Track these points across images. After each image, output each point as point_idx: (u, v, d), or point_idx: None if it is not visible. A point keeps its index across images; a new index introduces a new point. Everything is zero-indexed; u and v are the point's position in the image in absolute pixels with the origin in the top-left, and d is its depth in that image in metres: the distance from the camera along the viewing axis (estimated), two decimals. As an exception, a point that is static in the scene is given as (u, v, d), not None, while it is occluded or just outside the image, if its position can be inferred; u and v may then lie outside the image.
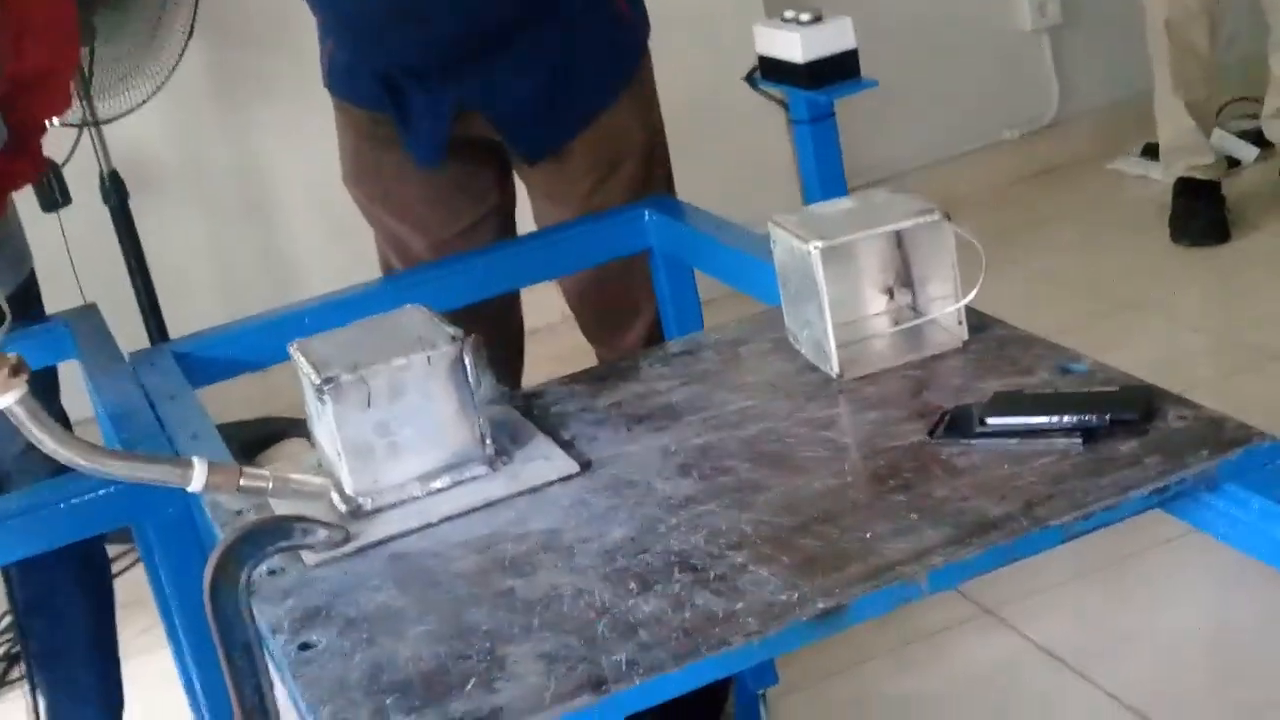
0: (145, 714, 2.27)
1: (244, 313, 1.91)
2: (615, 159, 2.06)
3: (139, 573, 2.56)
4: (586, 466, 1.28)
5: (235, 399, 2.79)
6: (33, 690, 2.17)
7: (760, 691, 2.10)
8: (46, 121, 1.95)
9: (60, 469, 1.98)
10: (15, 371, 1.11)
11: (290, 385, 3.23)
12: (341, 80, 2.09)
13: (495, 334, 2.17)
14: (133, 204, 3.19)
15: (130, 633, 2.25)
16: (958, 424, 1.24)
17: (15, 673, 2.73)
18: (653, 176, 2.12)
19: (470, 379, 1.28)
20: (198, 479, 1.19)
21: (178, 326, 3.17)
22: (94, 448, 1.16)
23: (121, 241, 3.16)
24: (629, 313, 2.13)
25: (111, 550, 2.42)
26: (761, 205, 2.26)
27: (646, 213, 1.95)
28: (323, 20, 2.07)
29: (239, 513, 1.29)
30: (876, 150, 3.89)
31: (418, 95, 1.99)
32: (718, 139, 3.66)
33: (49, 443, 1.13)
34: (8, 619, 2.82)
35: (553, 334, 3.12)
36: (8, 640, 2.80)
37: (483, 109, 2.00)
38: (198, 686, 1.54)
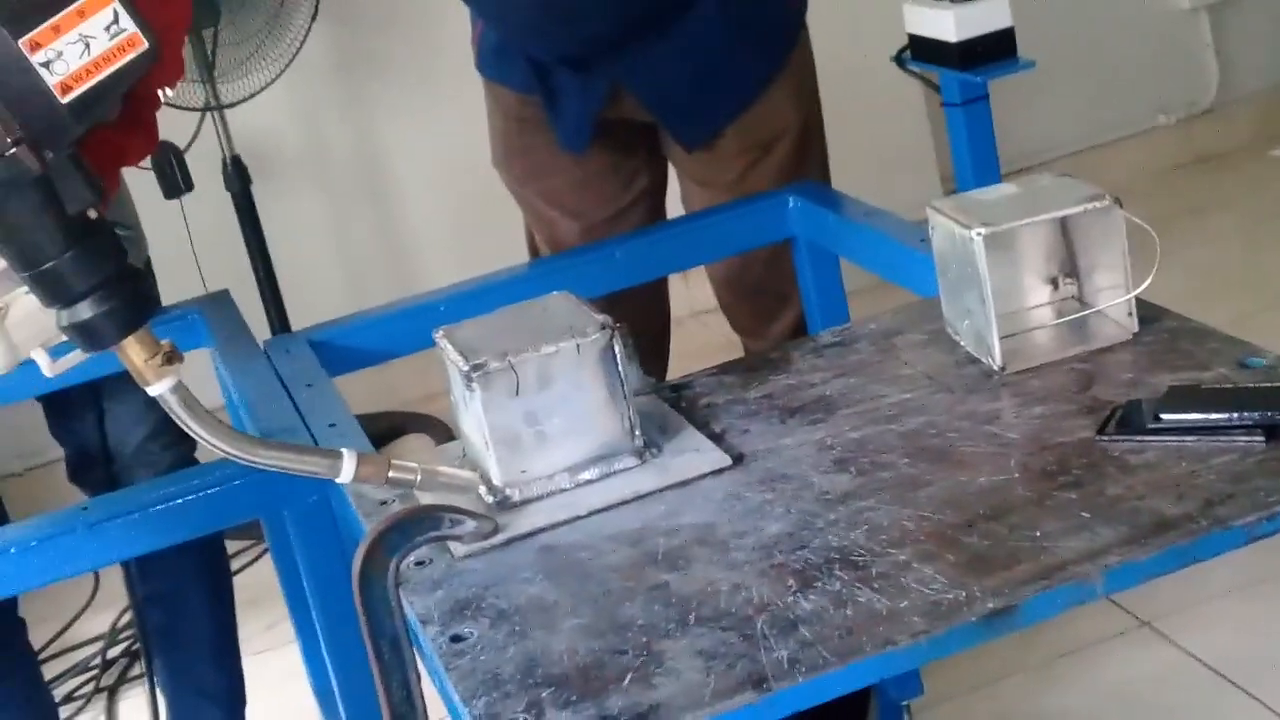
0: (267, 713, 2.33)
1: (366, 302, 1.95)
2: (768, 141, 2.08)
3: (255, 572, 2.64)
4: (739, 460, 1.30)
5: (353, 393, 2.85)
6: (152, 687, 2.24)
7: (905, 703, 2.11)
8: (160, 93, 1.97)
9: (178, 461, 2.06)
10: (169, 359, 1.15)
11: (410, 378, 3.32)
12: (491, 62, 2.13)
13: (641, 323, 2.20)
14: (254, 190, 3.27)
15: (250, 631, 2.31)
16: (1129, 420, 1.24)
17: (136, 669, 2.82)
18: (807, 159, 2.13)
19: (619, 368, 1.30)
20: (347, 470, 1.22)
21: (299, 315, 3.24)
22: (246, 437, 1.20)
23: (244, 228, 3.24)
24: (777, 302, 2.14)
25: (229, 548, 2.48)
26: (898, 192, 2.27)
27: (790, 199, 1.96)
28: (474, 7, 2.11)
29: (383, 503, 1.33)
30: (1024, 135, 3.86)
31: (569, 78, 2.02)
32: (852, 123, 3.65)
33: (201, 431, 1.17)
34: (128, 615, 2.91)
35: (680, 328, 3.14)
36: (128, 637, 2.89)
37: (637, 93, 2.02)
38: (333, 682, 1.58)
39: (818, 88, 2.17)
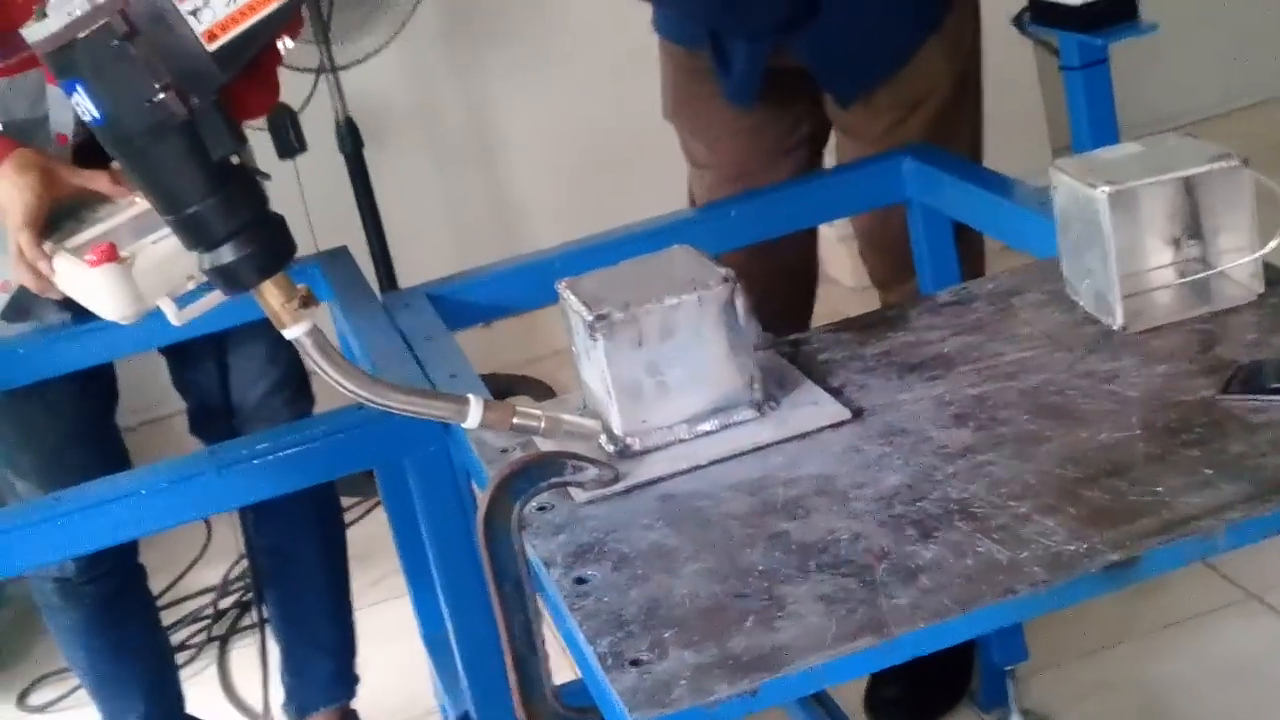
0: (378, 665, 2.38)
1: (473, 264, 1.99)
2: (918, 98, 2.08)
3: (361, 528, 2.69)
4: (857, 414, 1.32)
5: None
6: (263, 637, 2.30)
7: (1008, 668, 2.11)
8: (280, 45, 1.98)
9: (298, 417, 2.11)
10: (305, 303, 1.19)
11: (512, 342, 3.36)
12: (664, 20, 2.17)
13: (787, 280, 2.22)
14: (366, 153, 3.32)
15: (357, 585, 2.36)
16: (1252, 380, 1.24)
17: (247, 620, 2.89)
18: (958, 117, 2.13)
19: (740, 321, 1.32)
20: (474, 415, 1.26)
21: (407, 276, 3.29)
22: (377, 381, 1.24)
23: (355, 189, 3.29)
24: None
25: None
26: (1007, 159, 2.26)
27: (905, 162, 1.97)
28: None
29: (504, 450, 1.36)
30: (1144, 102, 3.81)
31: (738, 43, 2.05)
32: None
33: (335, 375, 1.21)
34: (239, 566, 2.99)
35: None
36: (240, 588, 2.96)
37: (798, 55, 2.05)
38: (449, 628, 1.62)
39: (979, 48, 2.17)
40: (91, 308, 1.50)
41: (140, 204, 1.58)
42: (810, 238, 2.24)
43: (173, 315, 1.48)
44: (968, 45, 2.15)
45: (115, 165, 1.65)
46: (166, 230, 1.44)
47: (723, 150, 2.17)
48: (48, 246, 1.59)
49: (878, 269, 2.24)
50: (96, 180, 1.64)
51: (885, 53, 2.06)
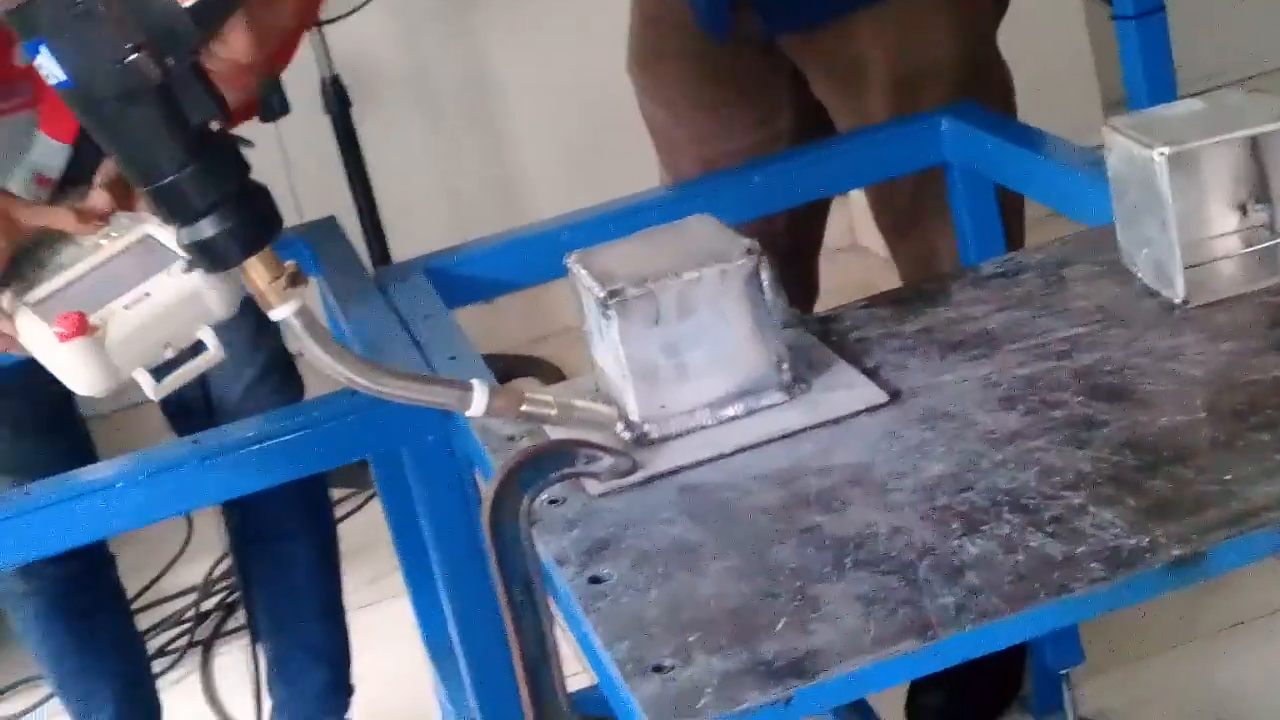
0: (376, 671, 2.38)
1: (470, 235, 1.98)
2: (919, 75, 2.06)
3: (353, 523, 2.69)
4: (895, 396, 1.32)
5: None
6: (254, 641, 2.30)
7: (1063, 671, 2.11)
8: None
9: (288, 403, 2.11)
10: (293, 281, 1.19)
11: (516, 320, 3.37)
12: None
13: (795, 252, 2.22)
14: (354, 114, 3.32)
15: (351, 584, 2.36)
16: (1328, 357, 1.23)
17: (231, 623, 2.90)
18: (979, 99, 2.11)
19: (766, 296, 1.32)
20: (478, 403, 1.25)
21: (400, 248, 3.30)
22: (372, 365, 1.23)
23: (343, 154, 3.29)
24: (938, 237, 2.14)
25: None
26: (1055, 116, 2.25)
27: (944, 121, 1.96)
28: None
29: (510, 439, 1.36)
30: (1203, 53, 3.78)
31: None
32: (1002, 40, 3.63)
33: (327, 359, 1.20)
34: (222, 565, 2.99)
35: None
36: (224, 589, 2.97)
37: None
38: (452, 631, 1.62)
39: (993, 22, 2.15)
40: (59, 377, 1.50)
41: (105, 246, 1.57)
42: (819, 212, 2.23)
43: (150, 389, 1.47)
44: (980, 24, 2.12)
45: (80, 200, 1.66)
46: (141, 288, 1.45)
47: (690, 125, 2.15)
48: (6, 301, 1.58)
49: (890, 226, 2.22)
50: (59, 218, 1.63)
51: None
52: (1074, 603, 1.03)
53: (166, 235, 1.53)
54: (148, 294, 1.44)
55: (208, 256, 1.17)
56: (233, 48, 1.43)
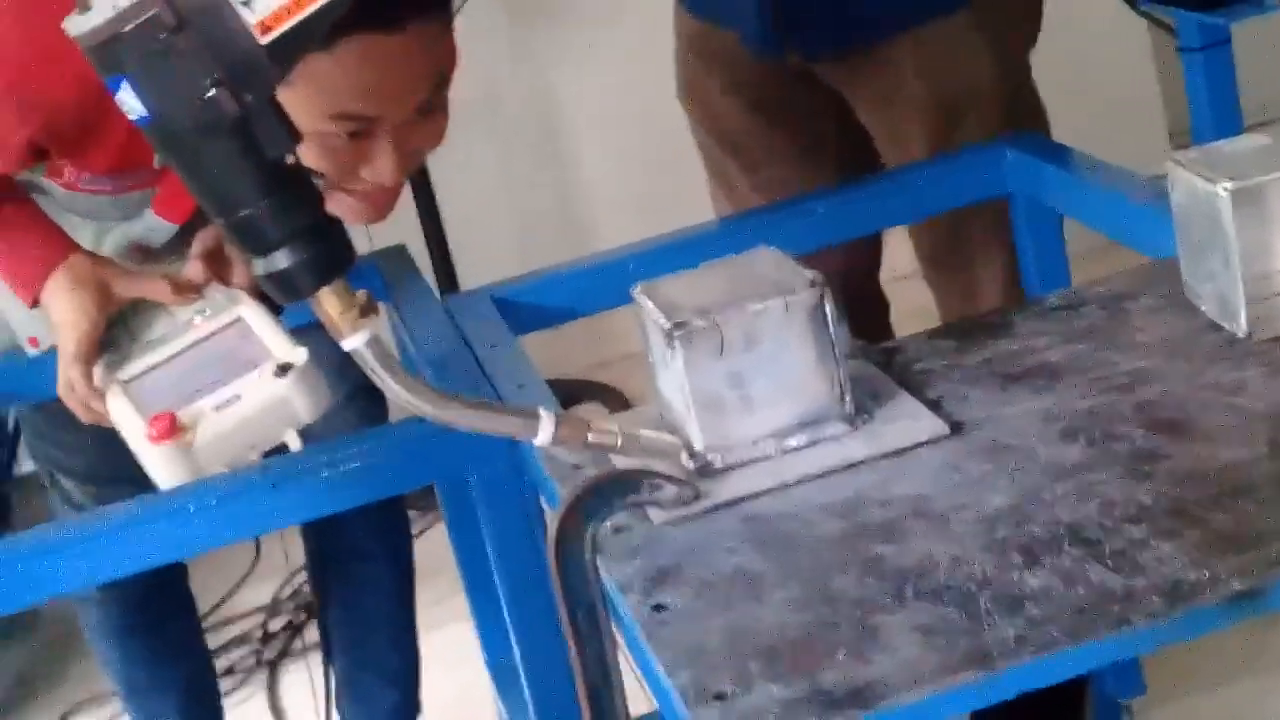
0: (437, 690, 2.40)
1: (537, 262, 2.00)
2: (960, 99, 2.07)
3: (419, 545, 2.70)
4: (957, 428, 1.32)
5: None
6: (326, 660, 2.32)
7: (1124, 701, 2.11)
8: None
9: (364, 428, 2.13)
10: (365, 311, 1.21)
11: (582, 345, 3.38)
12: None
13: (865, 294, 2.23)
14: (424, 142, 3.35)
15: (418, 605, 2.37)
16: (1392, 393, 1.23)
17: (298, 644, 2.92)
18: (1018, 126, 2.11)
19: (830, 328, 1.33)
20: (545, 432, 1.27)
21: (468, 274, 3.32)
22: (441, 394, 1.25)
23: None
24: (979, 273, 2.15)
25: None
26: (1120, 147, 2.25)
27: (1007, 151, 1.97)
28: None
29: (576, 467, 1.38)
30: (1269, 85, 3.77)
31: None
32: (1068, 69, 3.62)
33: (397, 389, 1.22)
34: (290, 586, 3.02)
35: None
36: (291, 609, 2.99)
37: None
38: (516, 656, 1.63)
39: (1024, 46, 2.16)
40: (144, 466, 1.54)
41: (199, 325, 1.62)
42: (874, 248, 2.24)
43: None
44: (1013, 47, 2.12)
45: (174, 271, 1.70)
46: (231, 389, 1.49)
47: (740, 151, 2.18)
48: (99, 376, 1.63)
49: (934, 269, 2.23)
50: (156, 290, 1.67)
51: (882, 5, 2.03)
52: (1134, 636, 1.04)
53: (258, 320, 1.57)
54: (237, 396, 1.49)
55: (282, 287, 1.19)
56: (379, 171, 1.48)
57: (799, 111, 2.18)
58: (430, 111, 1.51)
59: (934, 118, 2.09)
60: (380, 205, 1.55)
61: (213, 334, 1.60)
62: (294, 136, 1.16)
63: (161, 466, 1.50)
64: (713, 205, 2.30)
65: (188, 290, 1.65)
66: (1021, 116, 2.13)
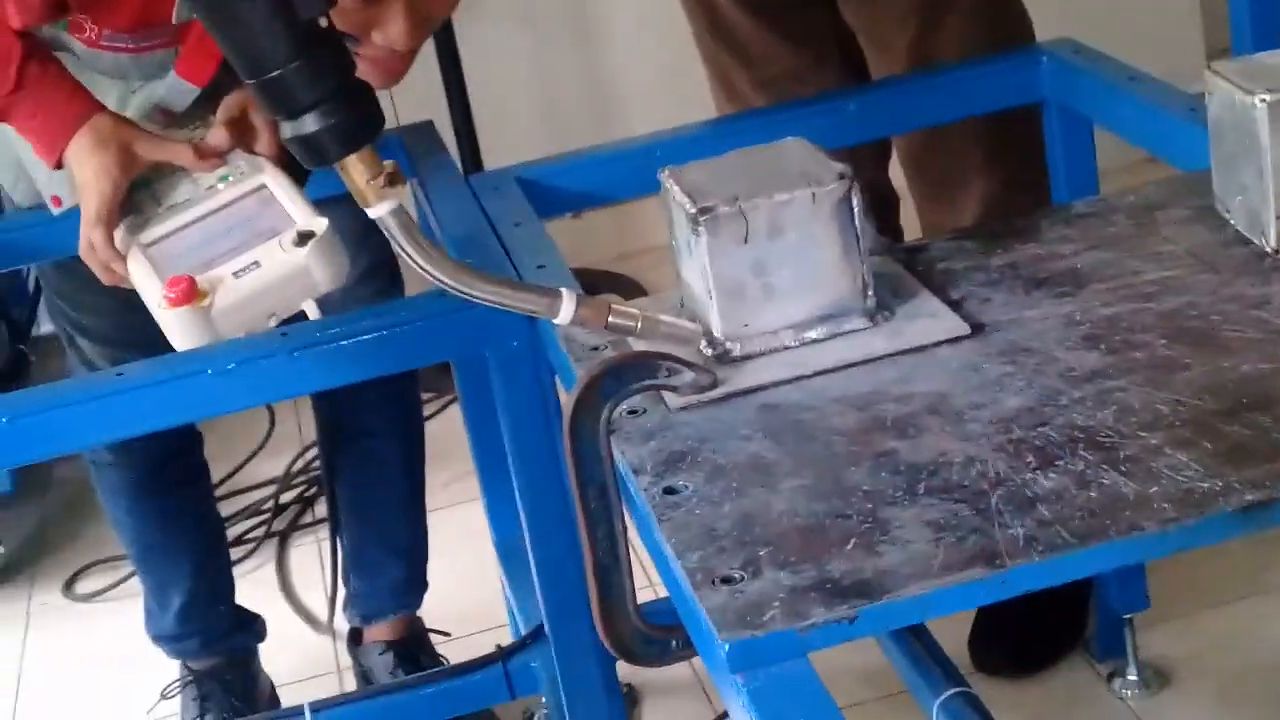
0: (446, 572, 2.41)
1: (563, 145, 1.99)
2: (934, 5, 2.07)
3: (433, 426, 2.73)
4: (978, 329, 1.32)
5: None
6: (334, 533, 2.33)
7: (1128, 616, 2.12)
8: None
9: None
10: (392, 181, 1.21)
11: (602, 235, 3.39)
12: None
13: (874, 182, 2.23)
14: (453, 20, 3.32)
15: (428, 487, 2.39)
16: None
17: (308, 516, 2.94)
18: (1004, 18, 2.11)
19: (856, 222, 1.33)
20: (566, 311, 1.27)
21: (492, 154, 3.31)
22: (465, 268, 1.25)
23: (441, 60, 3.30)
24: (958, 184, 2.15)
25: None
26: (1158, 58, 2.23)
27: (1044, 57, 1.95)
28: None
29: (594, 349, 1.38)
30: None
31: None
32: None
33: (420, 260, 1.22)
34: (302, 459, 3.04)
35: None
36: (302, 482, 3.01)
37: None
38: (525, 534, 1.65)
39: None
40: (162, 330, 1.53)
41: (222, 191, 1.61)
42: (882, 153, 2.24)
43: None
44: None
45: (198, 134, 1.69)
46: (251, 255, 1.48)
47: (746, 53, 2.18)
48: (120, 238, 1.62)
49: (919, 192, 2.23)
50: (179, 154, 1.65)
51: None
52: (1143, 541, 1.04)
53: (281, 188, 1.56)
54: (257, 263, 1.48)
55: (309, 151, 1.19)
56: (390, 35, 1.47)
57: (796, 10, 2.18)
58: None
59: (913, 20, 2.09)
60: (392, 70, 1.53)
61: (235, 200, 1.60)
62: (328, -1, 1.16)
63: (178, 330, 1.50)
64: (715, 106, 2.30)
65: (210, 156, 1.65)
66: (1005, 23, 2.12)
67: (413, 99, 3.16)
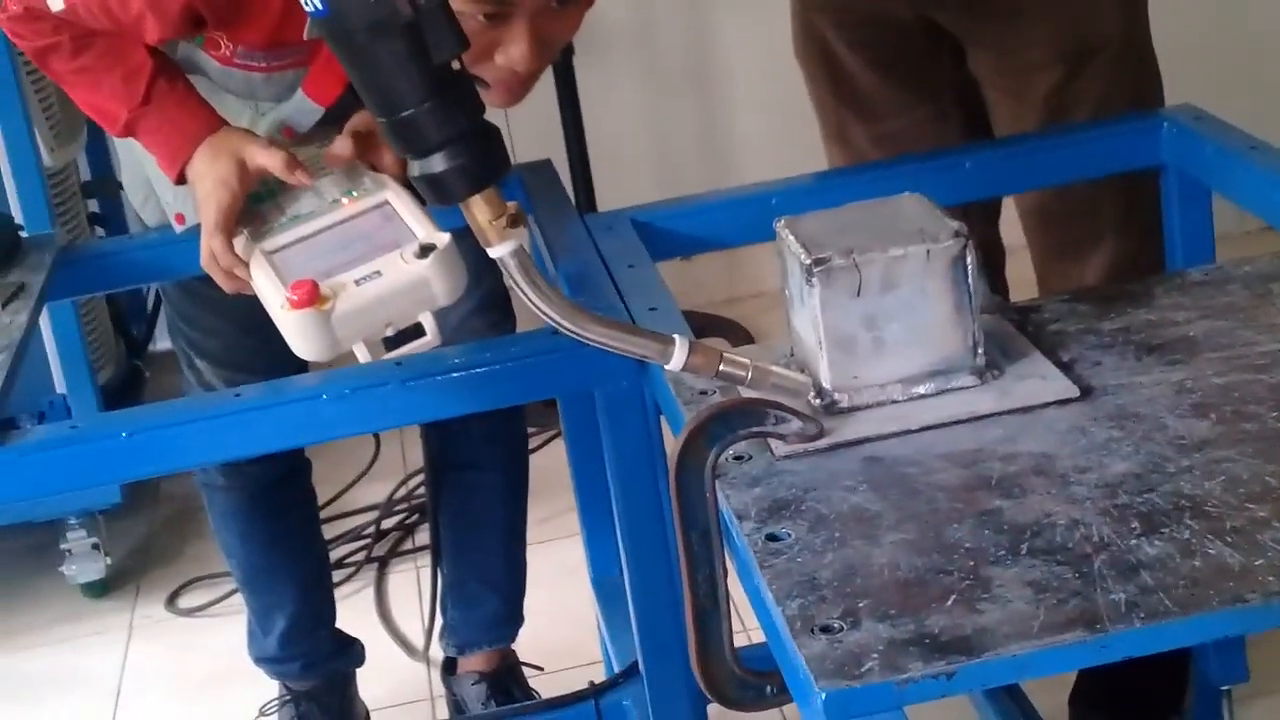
0: (541, 608, 2.43)
1: (675, 190, 2.00)
2: (1083, 51, 2.05)
3: (533, 461, 2.75)
4: (1087, 392, 1.32)
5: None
6: (435, 562, 2.36)
7: (1225, 688, 2.09)
8: None
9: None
10: (513, 222, 1.23)
11: (712, 279, 3.37)
12: None
13: (984, 239, 2.22)
14: (575, 63, 3.37)
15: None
16: None
17: (408, 544, 2.98)
18: (1141, 78, 2.09)
19: (969, 280, 1.33)
20: (678, 358, 1.29)
21: (605, 196, 3.34)
22: (580, 310, 1.27)
23: (561, 101, 3.34)
24: (1088, 241, 2.13)
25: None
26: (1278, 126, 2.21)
27: (1165, 123, 1.94)
28: None
29: (703, 393, 1.40)
30: None
31: None
32: (1226, 44, 3.56)
33: (538, 301, 1.25)
34: (405, 487, 3.08)
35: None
36: (404, 510, 3.05)
37: None
38: (625, 574, 1.66)
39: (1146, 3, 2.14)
40: (282, 334, 1.56)
41: (345, 205, 1.64)
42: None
43: (364, 359, 1.54)
44: (1140, 8, 2.09)
45: (297, 149, 1.72)
46: (373, 264, 1.51)
47: (861, 104, 2.16)
48: (242, 246, 1.65)
49: (1042, 251, 2.20)
50: (272, 160, 1.67)
51: None
52: (1247, 613, 1.04)
53: (403, 204, 1.59)
54: (378, 272, 1.51)
55: (435, 190, 1.22)
56: (513, 57, 1.50)
57: (918, 63, 2.17)
58: (568, 2, 1.52)
59: (1056, 68, 2.07)
60: (512, 91, 1.56)
61: (358, 214, 1.63)
62: (462, 42, 1.18)
63: (298, 333, 1.52)
64: (826, 159, 2.30)
65: (297, 169, 1.66)
66: (1139, 73, 2.11)
67: (530, 136, 3.22)
